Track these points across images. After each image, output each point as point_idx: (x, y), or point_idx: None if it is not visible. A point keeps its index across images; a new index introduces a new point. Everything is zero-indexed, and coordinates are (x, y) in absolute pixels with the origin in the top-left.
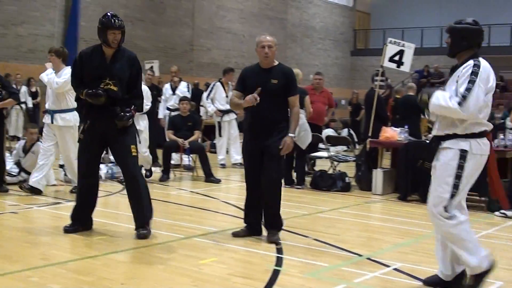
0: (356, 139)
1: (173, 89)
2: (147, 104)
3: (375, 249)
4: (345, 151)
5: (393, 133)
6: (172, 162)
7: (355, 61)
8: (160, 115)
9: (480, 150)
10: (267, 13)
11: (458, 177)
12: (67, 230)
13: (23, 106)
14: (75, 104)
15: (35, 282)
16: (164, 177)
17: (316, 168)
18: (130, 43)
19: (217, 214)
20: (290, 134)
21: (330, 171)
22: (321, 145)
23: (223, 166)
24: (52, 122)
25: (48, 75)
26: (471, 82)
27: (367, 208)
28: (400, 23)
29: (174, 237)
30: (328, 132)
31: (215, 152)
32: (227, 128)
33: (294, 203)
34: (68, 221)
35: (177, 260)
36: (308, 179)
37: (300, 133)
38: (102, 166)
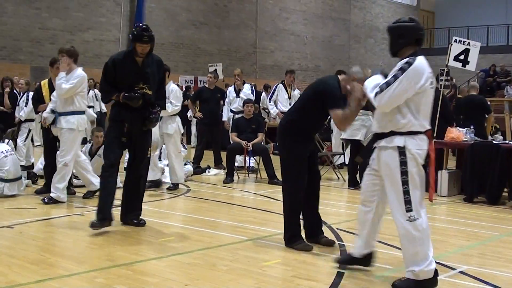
0: None
1: (237, 92)
2: (176, 105)
3: (440, 251)
4: None
5: (458, 134)
6: (236, 164)
7: None
8: (224, 118)
9: (417, 146)
10: (330, 14)
11: (404, 173)
12: (95, 225)
13: (91, 110)
14: (82, 107)
15: (101, 283)
16: (228, 179)
17: None
18: (194, 47)
19: (280, 216)
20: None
21: None
22: None
23: None
24: (55, 125)
25: (59, 79)
26: (394, 77)
27: (432, 210)
28: (465, 21)
29: (238, 239)
30: None
31: (278, 154)
32: None
33: (357, 205)
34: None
35: (241, 262)
36: None
37: (368, 135)
38: None
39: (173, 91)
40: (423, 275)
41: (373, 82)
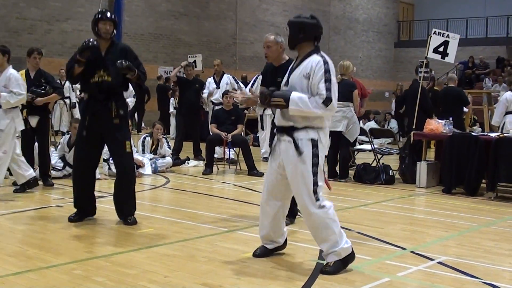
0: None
1: (217, 83)
2: (21, 94)
3: (419, 242)
4: (389, 143)
5: (437, 126)
6: (216, 155)
7: (399, 53)
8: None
9: (325, 139)
10: (310, 6)
11: (315, 165)
12: (71, 219)
13: (67, 101)
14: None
15: (79, 275)
16: (207, 171)
17: (357, 161)
18: (174, 38)
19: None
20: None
21: (374, 164)
22: (363, 138)
23: (266, 159)
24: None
25: None
26: (328, 80)
27: (411, 201)
28: (444, 13)
29: (218, 231)
30: (371, 124)
31: (258, 146)
32: (269, 122)
33: (338, 196)
34: (111, 215)
35: (220, 253)
36: (351, 172)
37: (349, 126)
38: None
39: (12, 78)
40: (345, 252)
41: (301, 100)
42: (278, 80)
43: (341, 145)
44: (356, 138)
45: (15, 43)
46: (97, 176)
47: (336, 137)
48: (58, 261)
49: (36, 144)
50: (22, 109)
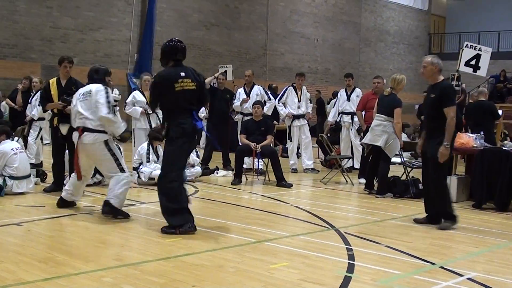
0: None
1: (247, 93)
2: None
3: (448, 257)
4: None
5: (468, 140)
6: (245, 166)
7: None
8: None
9: None
10: (341, 17)
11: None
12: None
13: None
14: None
15: (108, 282)
16: (236, 181)
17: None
18: (204, 48)
19: (288, 219)
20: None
21: (403, 177)
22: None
23: (295, 171)
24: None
25: None
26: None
27: None
28: (476, 26)
29: (246, 241)
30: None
31: (287, 157)
32: (297, 133)
33: (366, 209)
34: (140, 223)
35: (248, 264)
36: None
37: (389, 141)
38: None
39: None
40: None
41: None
42: (431, 96)
43: (381, 160)
44: None
45: (48, 52)
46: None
47: (376, 151)
48: (87, 268)
49: (66, 151)
50: (53, 117)
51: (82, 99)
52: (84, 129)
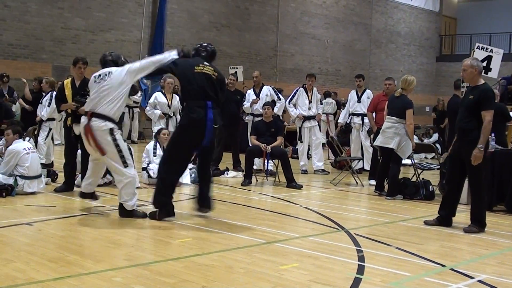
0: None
1: (257, 94)
2: None
3: (459, 259)
4: (432, 158)
5: None
6: (255, 167)
7: (441, 67)
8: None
9: None
10: (351, 18)
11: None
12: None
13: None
14: None
15: (119, 282)
16: (246, 182)
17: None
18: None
19: (298, 220)
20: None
21: (414, 179)
22: None
23: (305, 172)
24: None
25: None
26: None
27: None
28: (487, 28)
29: (256, 242)
30: None
31: (297, 158)
32: (308, 134)
33: (377, 211)
34: (151, 223)
35: (258, 265)
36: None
37: (401, 143)
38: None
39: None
40: None
41: None
42: (470, 97)
43: (391, 162)
44: None
45: (59, 52)
46: (137, 184)
47: (387, 153)
48: (97, 267)
49: (79, 152)
50: (67, 118)
51: (99, 81)
52: (93, 114)
